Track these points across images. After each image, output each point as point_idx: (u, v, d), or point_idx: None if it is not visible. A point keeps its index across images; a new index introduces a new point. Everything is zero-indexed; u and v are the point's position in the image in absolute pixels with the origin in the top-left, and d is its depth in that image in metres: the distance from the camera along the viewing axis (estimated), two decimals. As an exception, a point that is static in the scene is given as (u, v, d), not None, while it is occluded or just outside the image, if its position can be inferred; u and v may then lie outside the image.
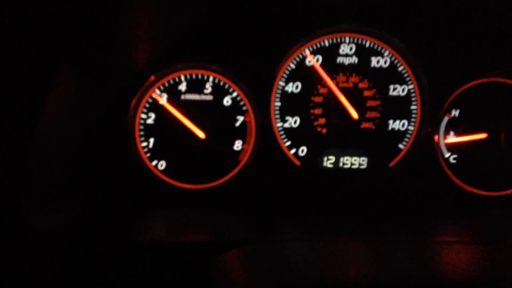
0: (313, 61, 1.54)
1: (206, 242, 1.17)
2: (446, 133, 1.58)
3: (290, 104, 1.57)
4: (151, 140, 1.55)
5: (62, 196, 1.32)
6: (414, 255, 1.09)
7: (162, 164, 1.56)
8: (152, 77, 1.52)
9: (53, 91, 1.14)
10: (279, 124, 1.57)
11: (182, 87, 1.55)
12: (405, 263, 1.05)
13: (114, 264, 1.13)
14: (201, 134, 1.53)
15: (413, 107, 1.57)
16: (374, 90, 1.56)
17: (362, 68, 1.56)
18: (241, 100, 1.56)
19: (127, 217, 1.37)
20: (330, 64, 1.56)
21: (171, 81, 1.55)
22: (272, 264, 1.06)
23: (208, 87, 1.55)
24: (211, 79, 1.55)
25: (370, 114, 1.57)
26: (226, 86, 1.55)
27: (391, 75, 1.56)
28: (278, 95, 1.56)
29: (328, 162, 1.58)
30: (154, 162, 1.56)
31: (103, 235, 1.21)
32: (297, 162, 1.58)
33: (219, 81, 1.55)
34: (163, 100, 1.54)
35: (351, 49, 1.56)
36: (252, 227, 1.32)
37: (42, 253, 1.10)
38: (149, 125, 1.55)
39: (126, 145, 1.53)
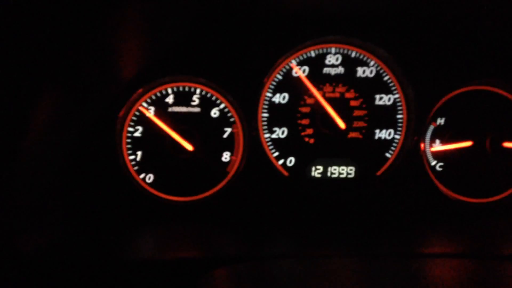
0: (299, 72, 1.55)
1: (195, 258, 1.16)
2: (432, 141, 1.59)
3: (278, 115, 1.57)
4: (139, 153, 1.55)
5: (47, 214, 1.31)
6: (403, 273, 1.09)
7: (150, 177, 1.55)
8: (139, 90, 1.52)
9: (37, 106, 1.13)
10: (267, 135, 1.58)
11: (169, 99, 1.55)
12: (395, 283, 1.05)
13: (102, 283, 1.13)
14: (189, 147, 1.53)
15: (399, 116, 1.58)
16: (361, 100, 1.57)
17: (348, 78, 1.57)
18: (228, 111, 1.56)
19: (115, 233, 1.37)
20: (316, 75, 1.57)
21: (158, 94, 1.55)
22: (261, 284, 1.06)
23: (196, 99, 1.55)
24: (198, 91, 1.55)
25: (357, 124, 1.58)
26: (214, 98, 1.55)
27: (377, 84, 1.57)
28: (266, 106, 1.57)
29: (316, 172, 1.59)
30: (142, 175, 1.55)
31: (90, 253, 1.21)
32: (285, 173, 1.59)
33: (206, 93, 1.55)
34: (150, 113, 1.54)
35: (337, 59, 1.57)
36: (241, 242, 1.32)
37: (27, 274, 1.09)
38: (137, 138, 1.55)
39: (113, 159, 1.52)
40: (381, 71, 1.57)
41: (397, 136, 1.59)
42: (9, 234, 1.13)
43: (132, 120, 1.54)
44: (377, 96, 1.58)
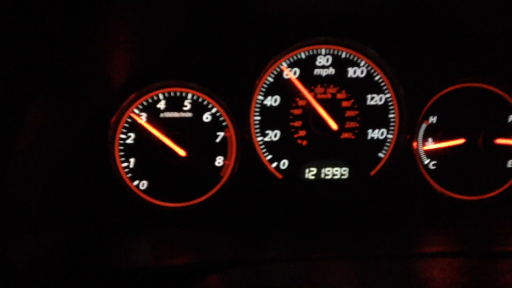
0: (290, 74, 1.55)
1: (190, 264, 1.16)
2: (425, 139, 1.59)
3: (270, 118, 1.57)
4: (132, 160, 1.54)
5: (40, 223, 1.30)
6: (399, 273, 1.10)
7: (143, 184, 1.55)
8: (131, 97, 1.52)
9: (28, 114, 1.12)
10: (260, 138, 1.57)
11: (161, 105, 1.55)
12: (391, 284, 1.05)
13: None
14: (181, 152, 1.52)
15: (391, 115, 1.58)
16: (352, 100, 1.57)
17: (339, 79, 1.57)
18: (220, 115, 1.56)
19: (109, 241, 1.36)
20: (307, 76, 1.56)
21: (150, 100, 1.54)
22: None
23: (187, 104, 1.55)
24: (189, 96, 1.55)
25: (349, 124, 1.58)
26: (205, 103, 1.55)
27: (368, 84, 1.57)
28: (258, 109, 1.57)
29: (310, 173, 1.59)
30: (136, 182, 1.55)
31: (84, 262, 1.20)
32: (279, 176, 1.58)
33: (198, 97, 1.55)
34: (141, 119, 1.53)
35: (327, 60, 1.57)
36: (237, 247, 1.32)
37: (21, 286, 1.08)
38: (129, 145, 1.54)
39: (106, 167, 1.52)
40: (372, 71, 1.57)
41: (389, 136, 1.59)
42: (2, 244, 1.13)
43: (124, 127, 1.54)
44: (369, 96, 1.58)
